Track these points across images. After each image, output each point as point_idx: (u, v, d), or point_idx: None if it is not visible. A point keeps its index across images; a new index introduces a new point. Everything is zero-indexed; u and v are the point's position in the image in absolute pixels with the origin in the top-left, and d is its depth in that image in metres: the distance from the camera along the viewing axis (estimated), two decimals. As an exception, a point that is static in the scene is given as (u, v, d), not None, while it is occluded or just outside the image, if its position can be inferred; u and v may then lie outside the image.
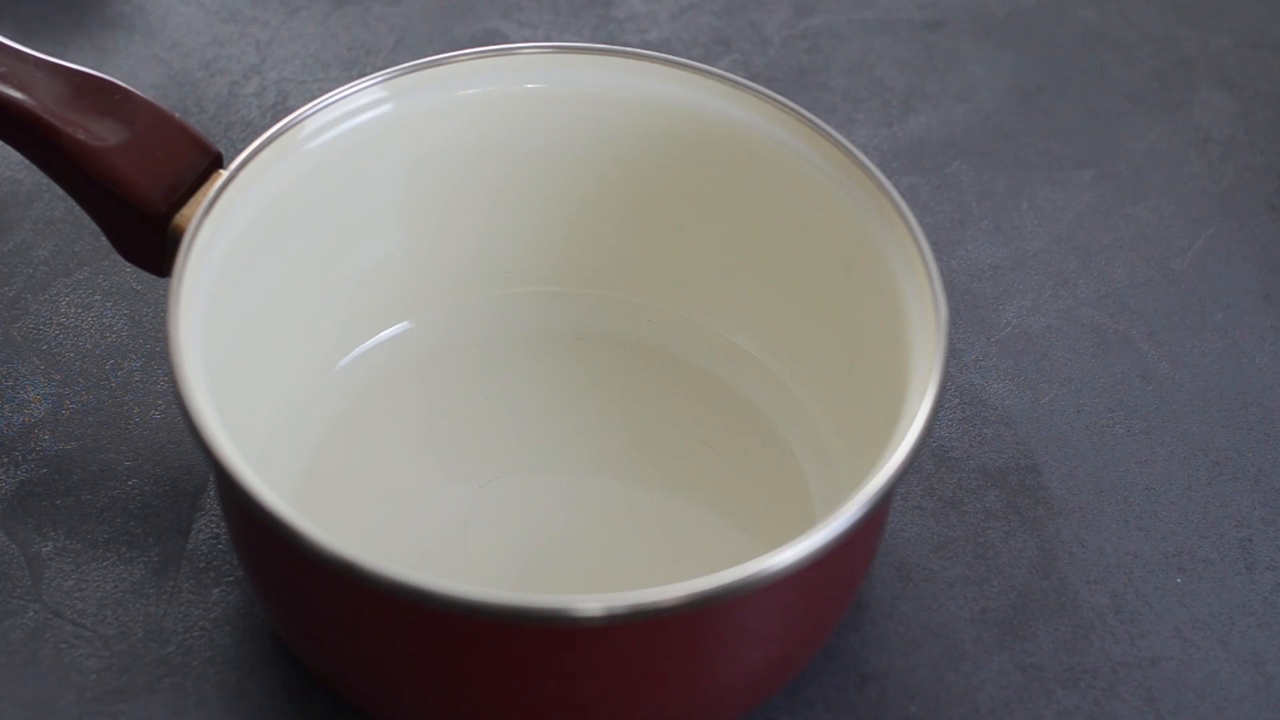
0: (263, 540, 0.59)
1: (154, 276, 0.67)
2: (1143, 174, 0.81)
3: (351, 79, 0.76)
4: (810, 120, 0.66)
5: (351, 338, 0.69)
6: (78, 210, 0.76)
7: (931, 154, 0.82)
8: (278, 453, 0.65)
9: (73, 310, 0.73)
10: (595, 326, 0.71)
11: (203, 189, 0.64)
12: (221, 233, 0.62)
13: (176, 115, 0.66)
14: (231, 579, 0.66)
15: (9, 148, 0.67)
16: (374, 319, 0.70)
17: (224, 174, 0.63)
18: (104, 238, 0.66)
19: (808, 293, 0.68)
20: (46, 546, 0.66)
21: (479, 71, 0.68)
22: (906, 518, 0.69)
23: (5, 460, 0.69)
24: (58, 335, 0.73)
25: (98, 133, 0.65)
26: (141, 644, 0.64)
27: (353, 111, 0.66)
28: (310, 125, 0.65)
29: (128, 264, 0.69)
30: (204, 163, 0.65)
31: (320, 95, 0.66)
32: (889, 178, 0.65)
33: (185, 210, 0.64)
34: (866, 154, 0.66)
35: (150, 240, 0.65)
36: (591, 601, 0.54)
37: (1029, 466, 0.70)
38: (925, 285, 0.61)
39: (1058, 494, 0.70)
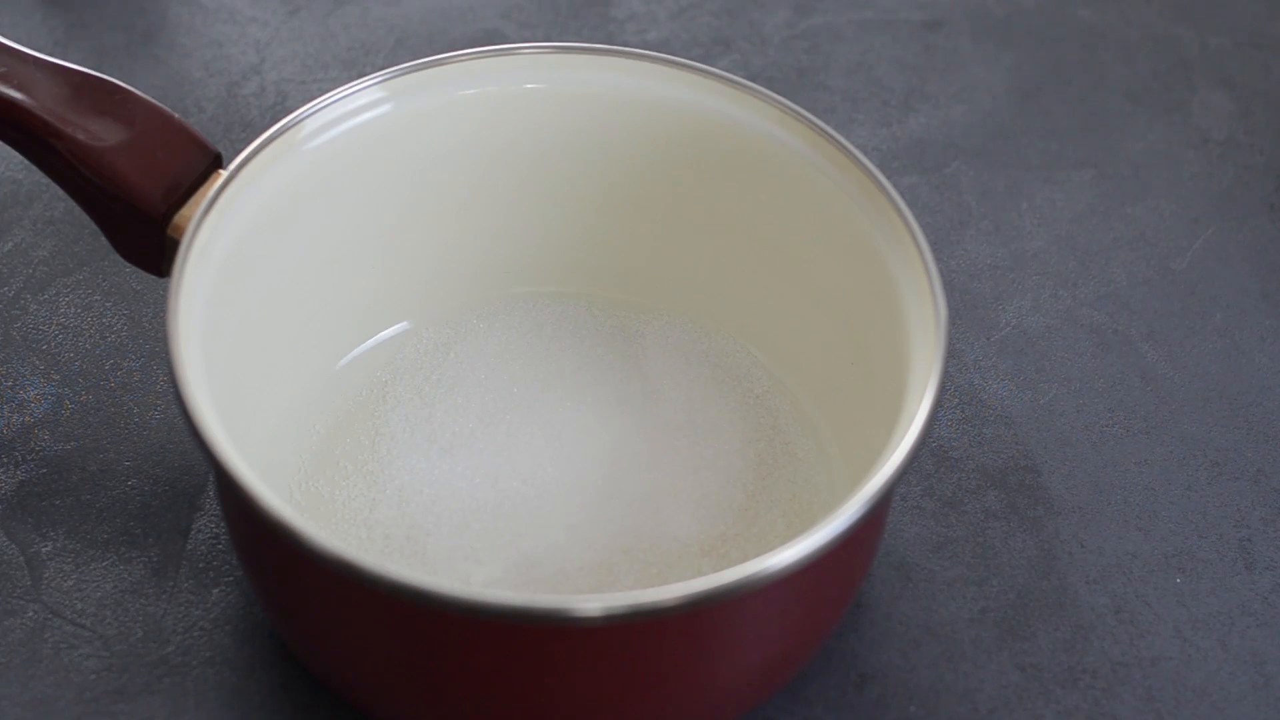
0: (263, 540, 0.59)
1: (154, 276, 0.67)
2: (1142, 174, 0.81)
3: (351, 79, 0.76)
4: (810, 120, 0.66)
5: (351, 338, 0.69)
6: (78, 210, 0.76)
7: (931, 154, 0.82)
8: (278, 453, 0.65)
9: (73, 310, 0.73)
10: (594, 326, 0.71)
11: (203, 189, 0.64)
12: (221, 233, 0.62)
13: (176, 115, 0.66)
14: (231, 579, 0.66)
15: (9, 148, 0.67)
16: (374, 319, 0.70)
17: (224, 174, 0.63)
18: (104, 238, 0.66)
19: (807, 292, 0.68)
20: (46, 546, 0.66)
21: (479, 71, 0.68)
22: (906, 518, 0.69)
23: (5, 460, 0.69)
24: (58, 335, 0.73)
25: (98, 133, 0.65)
26: (141, 644, 0.64)
27: (352, 111, 0.66)
28: (310, 125, 0.65)
29: (128, 264, 0.69)
30: (204, 163, 0.65)
31: (320, 95, 0.66)
32: (889, 178, 0.65)
33: (185, 210, 0.64)
34: (866, 154, 0.66)
35: (150, 240, 0.65)
36: (591, 601, 0.54)
37: (1029, 466, 0.70)
38: (925, 285, 0.61)
39: (1057, 494, 0.70)
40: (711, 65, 0.71)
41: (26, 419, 0.70)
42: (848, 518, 0.56)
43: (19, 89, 0.65)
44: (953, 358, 0.73)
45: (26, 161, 0.71)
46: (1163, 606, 0.67)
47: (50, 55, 0.67)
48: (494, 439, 0.67)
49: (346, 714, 0.62)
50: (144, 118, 0.65)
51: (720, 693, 0.60)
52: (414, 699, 0.59)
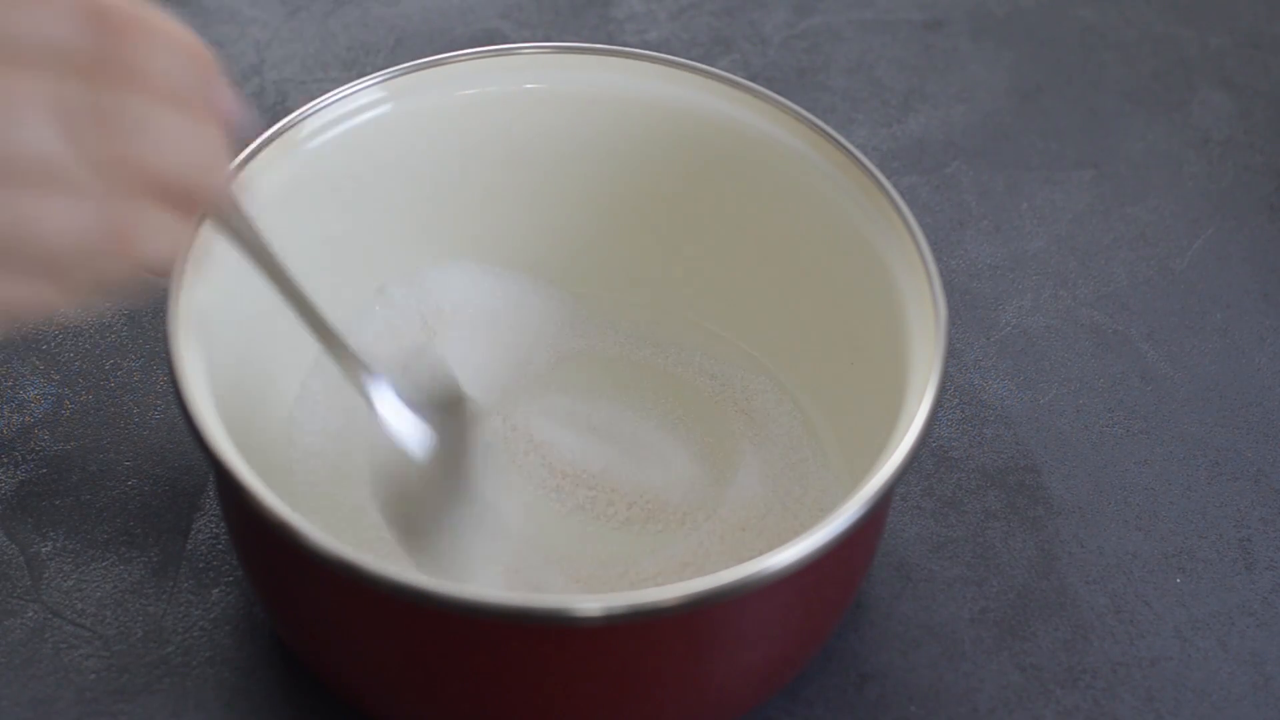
0: (263, 540, 0.59)
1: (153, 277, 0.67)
2: (1142, 174, 0.81)
3: (351, 79, 0.76)
4: (810, 120, 0.66)
5: (351, 337, 0.69)
6: (78, 210, 0.76)
7: (931, 154, 0.82)
8: (278, 453, 0.65)
9: (72, 310, 0.73)
10: (593, 325, 0.71)
11: (203, 189, 0.64)
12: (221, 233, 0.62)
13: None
14: (231, 579, 0.66)
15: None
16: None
17: (224, 174, 0.63)
18: (104, 238, 0.66)
19: (807, 293, 0.68)
20: (46, 546, 0.66)
21: (478, 71, 0.68)
22: (906, 518, 0.69)
23: (5, 460, 0.69)
24: (58, 335, 0.73)
25: (98, 133, 0.64)
26: (141, 644, 0.64)
27: (352, 111, 0.66)
28: (310, 125, 0.65)
29: (128, 264, 0.69)
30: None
31: (320, 95, 0.66)
32: (889, 178, 0.64)
33: (185, 210, 0.64)
34: (866, 154, 0.66)
35: (150, 240, 0.65)
36: (590, 601, 0.54)
37: (1029, 466, 0.70)
38: (925, 285, 0.61)
39: (1057, 494, 0.70)
40: (711, 65, 0.71)
41: (26, 419, 0.70)
42: (848, 518, 0.56)
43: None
44: (953, 358, 0.73)
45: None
46: (1163, 606, 0.67)
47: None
48: (494, 439, 0.67)
49: (346, 714, 0.62)
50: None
51: (720, 693, 0.60)
52: (414, 699, 0.59)
